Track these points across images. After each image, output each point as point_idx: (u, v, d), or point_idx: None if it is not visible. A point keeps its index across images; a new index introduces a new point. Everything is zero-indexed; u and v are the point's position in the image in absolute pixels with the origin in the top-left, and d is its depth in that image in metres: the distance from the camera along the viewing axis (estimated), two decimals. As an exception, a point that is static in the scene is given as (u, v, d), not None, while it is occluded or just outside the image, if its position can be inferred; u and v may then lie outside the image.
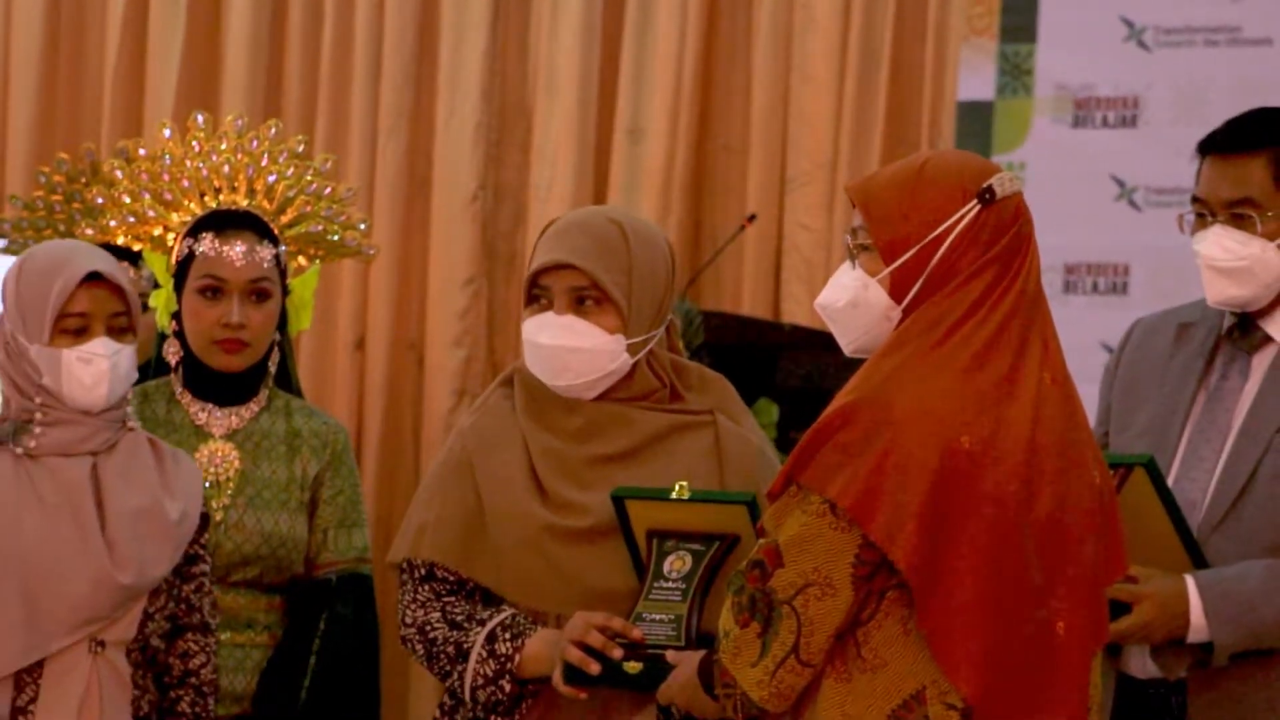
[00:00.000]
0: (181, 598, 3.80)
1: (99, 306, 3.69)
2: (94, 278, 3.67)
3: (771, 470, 3.40)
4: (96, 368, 3.68)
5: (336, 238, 4.28)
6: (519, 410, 3.57)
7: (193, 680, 3.83)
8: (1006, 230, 3.02)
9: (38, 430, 3.71)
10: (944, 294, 3.01)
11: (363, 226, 4.32)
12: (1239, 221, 3.57)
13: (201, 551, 3.82)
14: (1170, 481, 3.50)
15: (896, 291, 3.03)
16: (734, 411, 3.60)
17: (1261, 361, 3.62)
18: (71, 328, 3.68)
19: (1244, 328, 3.64)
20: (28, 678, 3.69)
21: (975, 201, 3.02)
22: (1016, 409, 2.96)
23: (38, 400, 3.70)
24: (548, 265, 3.49)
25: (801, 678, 2.95)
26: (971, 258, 3.01)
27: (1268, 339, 3.62)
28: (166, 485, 3.76)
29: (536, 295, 3.53)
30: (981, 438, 2.92)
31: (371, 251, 4.37)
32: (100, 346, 3.69)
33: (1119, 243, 6.58)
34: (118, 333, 3.70)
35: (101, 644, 3.71)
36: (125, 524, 3.70)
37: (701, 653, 3.14)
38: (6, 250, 4.37)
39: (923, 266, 3.02)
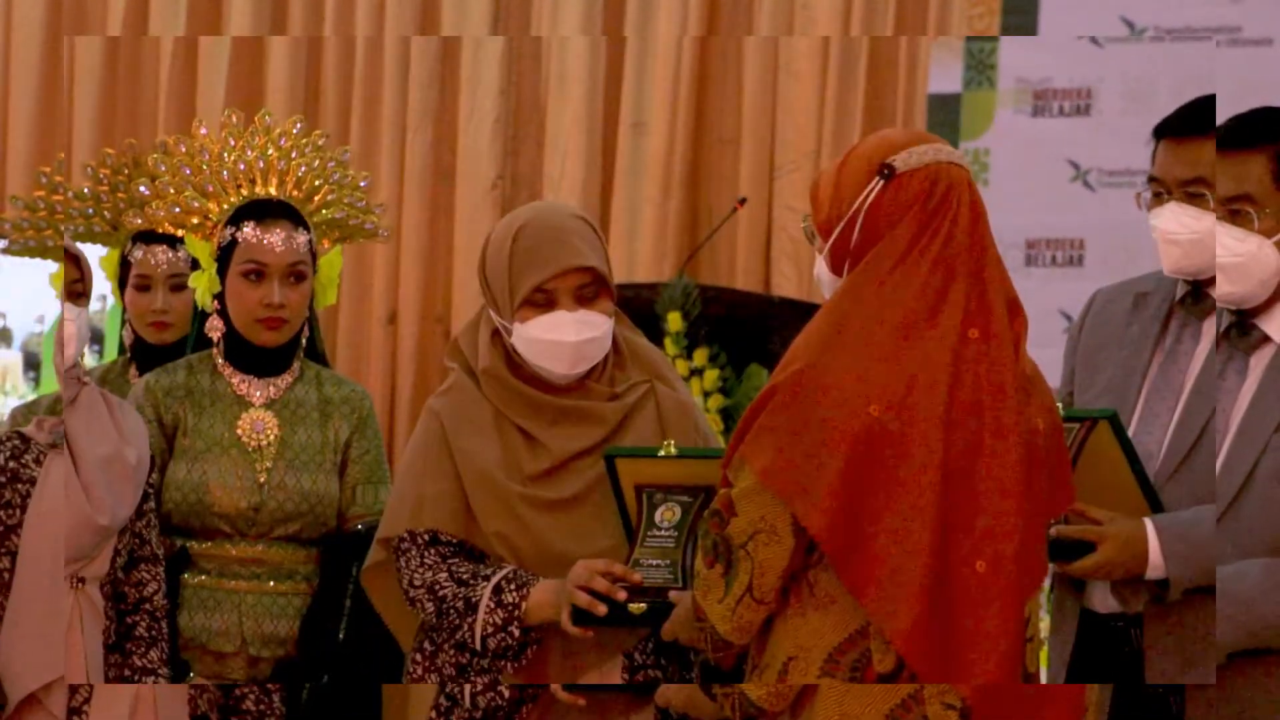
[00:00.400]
0: (136, 533, 3.79)
1: (61, 275, 3.71)
2: None
3: (701, 422, 3.54)
4: (65, 330, 3.67)
5: (356, 222, 4.25)
6: (492, 399, 3.52)
7: (146, 606, 3.83)
8: (915, 202, 2.97)
9: None
10: (861, 266, 2.97)
11: (379, 210, 4.28)
12: (1194, 200, 3.47)
13: (150, 490, 3.82)
14: (1130, 434, 3.44)
15: (835, 267, 3.03)
16: (667, 376, 3.60)
17: (1211, 325, 3.53)
18: None
19: (1196, 297, 3.55)
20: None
21: (877, 178, 2.98)
22: (930, 369, 2.90)
23: None
24: (562, 271, 3.45)
25: (757, 613, 2.95)
26: (881, 230, 2.97)
27: (1214, 304, 3.52)
28: (122, 433, 3.76)
29: (536, 300, 3.46)
30: (891, 403, 2.88)
31: (384, 234, 4.34)
32: (68, 311, 3.68)
33: (1075, 220, 6.59)
34: (74, 297, 3.71)
35: (81, 580, 3.71)
36: (98, 470, 3.69)
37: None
38: (6, 251, 4.33)
39: (847, 241, 2.99)
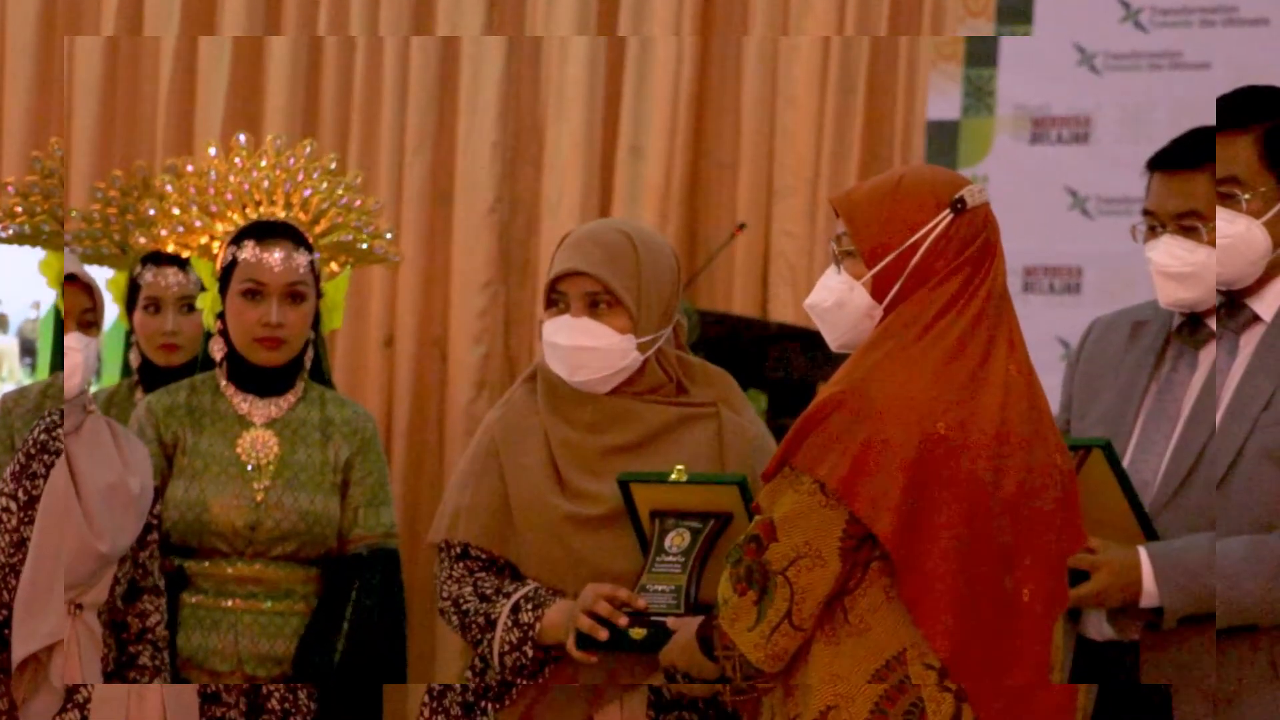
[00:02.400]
0: (139, 563, 3.82)
1: (72, 304, 3.74)
2: (69, 279, 3.69)
3: (768, 457, 3.34)
4: (71, 360, 3.70)
5: (365, 246, 4.28)
6: (540, 403, 3.55)
7: (149, 636, 3.85)
8: (976, 237, 3.02)
9: None
10: (920, 294, 3.00)
11: (388, 235, 4.31)
12: (1188, 233, 3.50)
13: (154, 521, 3.85)
14: (1125, 463, 3.46)
15: (878, 292, 3.03)
16: (736, 404, 3.60)
17: (1208, 355, 3.55)
18: None
19: (1193, 327, 3.58)
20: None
21: (948, 211, 3.02)
22: (986, 397, 2.95)
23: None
24: (565, 272, 3.49)
25: (794, 641, 2.95)
26: (945, 261, 3.01)
27: (1211, 333, 3.55)
28: (125, 461, 3.79)
29: (554, 300, 3.51)
30: (956, 424, 2.92)
31: (396, 258, 4.37)
32: (72, 340, 3.71)
33: (1073, 248, 6.56)
34: (85, 327, 3.73)
35: (79, 607, 3.73)
36: (99, 498, 3.71)
37: (699, 618, 3.14)
38: (2, 239, 4.32)
39: (901, 269, 3.02)
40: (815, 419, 2.94)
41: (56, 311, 4.12)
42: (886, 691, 2.93)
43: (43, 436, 3.72)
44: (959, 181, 3.07)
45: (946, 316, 2.97)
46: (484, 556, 3.51)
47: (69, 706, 3.69)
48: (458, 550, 3.52)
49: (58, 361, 4.16)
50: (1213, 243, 3.47)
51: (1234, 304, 3.52)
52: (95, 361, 3.76)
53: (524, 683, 3.45)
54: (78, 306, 3.75)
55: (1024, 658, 2.96)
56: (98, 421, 3.79)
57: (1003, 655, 2.95)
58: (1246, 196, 3.44)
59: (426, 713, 3.57)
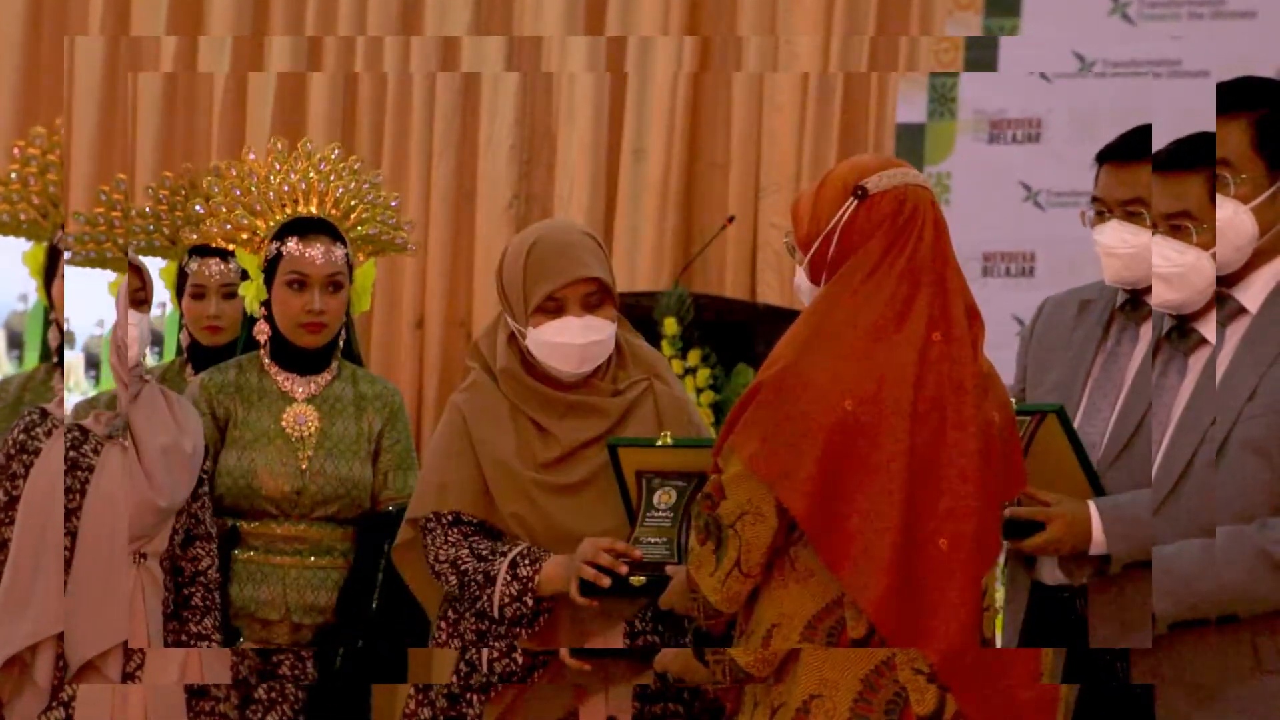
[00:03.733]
0: (192, 514, 3.79)
1: (129, 285, 3.70)
2: None
3: (694, 415, 3.53)
4: (130, 334, 3.67)
5: (388, 237, 4.24)
6: (507, 394, 3.51)
7: (201, 579, 3.82)
8: (885, 220, 2.97)
9: None
10: (838, 276, 2.98)
11: (407, 227, 4.27)
12: (1133, 218, 3.44)
13: (205, 476, 3.82)
14: (1075, 426, 3.43)
15: (814, 276, 3.03)
16: (664, 375, 3.59)
17: (1146, 332, 3.51)
18: None
19: (1135, 304, 3.53)
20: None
21: (852, 199, 2.98)
22: (898, 368, 2.91)
23: None
24: (572, 281, 3.44)
25: (745, 585, 2.95)
26: (856, 244, 2.97)
27: (1150, 311, 3.49)
28: (179, 424, 3.76)
29: (547, 307, 3.45)
30: (864, 399, 2.89)
31: (412, 249, 4.33)
32: (130, 316, 3.68)
33: (1026, 235, 6.55)
34: (138, 304, 3.71)
35: (143, 556, 3.70)
36: (157, 458, 3.68)
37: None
38: (70, 262, 4.30)
39: (824, 255, 3.00)
40: (744, 402, 2.94)
41: (43, 307, 4.08)
42: (869, 679, 2.90)
43: (21, 436, 3.67)
44: (867, 170, 3.02)
45: (860, 292, 2.94)
46: (474, 522, 3.47)
47: (54, 705, 3.62)
48: (449, 519, 3.48)
49: (44, 354, 4.13)
50: (1203, 245, 3.30)
51: (1184, 328, 3.36)
52: (148, 335, 3.74)
53: (509, 682, 3.42)
54: (130, 286, 3.73)
55: (946, 604, 2.90)
56: (153, 389, 3.77)
57: (929, 602, 2.89)
58: (1236, 180, 3.25)
59: (413, 705, 3.53)
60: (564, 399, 3.49)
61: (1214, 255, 3.28)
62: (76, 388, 4.38)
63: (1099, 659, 3.42)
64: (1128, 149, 3.49)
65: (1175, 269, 3.32)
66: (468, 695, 3.46)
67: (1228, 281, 3.32)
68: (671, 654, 3.17)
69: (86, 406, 4.25)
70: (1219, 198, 3.26)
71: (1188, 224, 3.31)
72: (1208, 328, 3.35)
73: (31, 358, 5.59)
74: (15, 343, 6.95)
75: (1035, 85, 6.54)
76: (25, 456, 3.66)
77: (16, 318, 7.01)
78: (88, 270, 4.42)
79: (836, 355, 2.91)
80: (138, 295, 3.72)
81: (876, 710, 2.89)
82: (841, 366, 2.90)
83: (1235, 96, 3.29)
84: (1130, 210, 3.46)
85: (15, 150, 4.22)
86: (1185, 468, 3.26)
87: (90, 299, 4.56)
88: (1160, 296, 3.35)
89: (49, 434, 3.69)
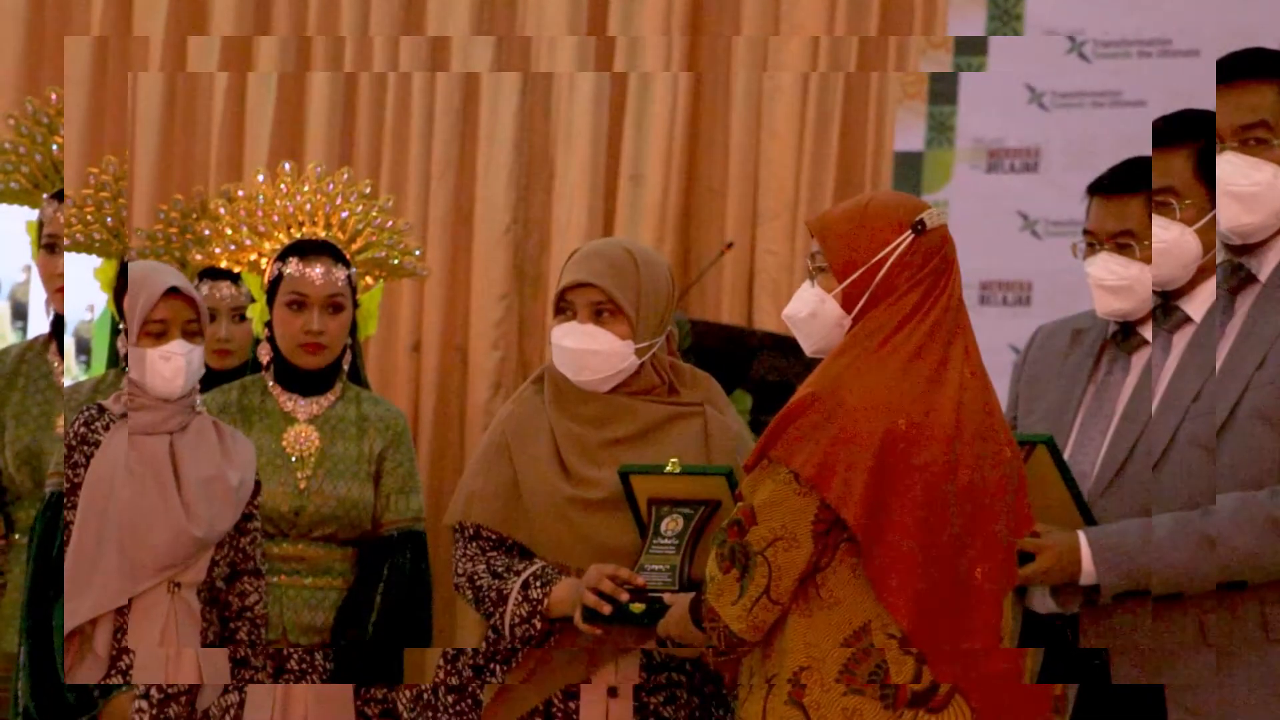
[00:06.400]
0: (239, 548, 3.81)
1: (176, 314, 3.72)
2: (172, 292, 3.70)
3: (748, 451, 3.36)
4: (174, 364, 3.71)
5: (396, 261, 4.28)
6: (547, 401, 3.56)
7: (248, 614, 3.84)
8: (935, 255, 3.04)
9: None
10: (884, 306, 3.02)
11: (417, 253, 4.32)
12: (1123, 250, 3.51)
13: (255, 511, 3.84)
14: (1066, 455, 3.47)
15: (847, 304, 3.05)
16: (719, 404, 3.61)
17: (1140, 359, 3.56)
18: (154, 331, 3.71)
19: (1126, 334, 3.58)
20: (118, 614, 3.70)
21: (910, 232, 3.03)
22: (943, 396, 2.97)
23: (127, 389, 3.73)
24: (574, 283, 3.51)
25: (772, 614, 2.97)
26: (906, 276, 3.02)
27: (1143, 340, 3.55)
28: (228, 458, 3.78)
29: (563, 307, 3.53)
30: (915, 421, 2.94)
31: (424, 273, 4.36)
32: (177, 346, 3.71)
33: (1023, 265, 6.57)
34: (190, 335, 3.73)
35: (178, 585, 3.73)
36: (197, 489, 3.72)
37: (692, 594, 3.15)
38: (68, 248, 4.34)
39: (868, 284, 3.03)
40: (791, 415, 2.96)
41: (110, 315, 4.13)
42: (854, 654, 2.95)
43: (82, 429, 3.74)
44: (920, 206, 3.08)
45: (908, 326, 2.99)
46: (494, 537, 3.52)
47: (112, 672, 3.69)
48: (471, 531, 3.53)
49: (113, 359, 4.18)
50: (1146, 259, 3.46)
51: (1167, 305, 3.50)
52: (200, 366, 3.77)
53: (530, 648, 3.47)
54: (181, 317, 3.73)
55: (977, 630, 2.98)
56: (204, 421, 3.79)
57: (958, 627, 2.96)
58: (1181, 206, 3.42)
59: (441, 674, 3.58)
60: (599, 397, 3.54)
61: (1199, 231, 3.42)
62: (66, 372, 4.42)
63: (1048, 624, 3.48)
64: (1117, 182, 3.55)
65: (1121, 282, 3.48)
66: (491, 665, 3.51)
67: (1174, 294, 3.49)
68: (673, 619, 3.19)
69: (72, 392, 4.28)
70: (1166, 221, 3.42)
71: (1171, 200, 3.44)
72: (1192, 305, 3.48)
73: (99, 364, 5.66)
74: (83, 349, 7.00)
75: (1033, 113, 6.57)
76: (86, 448, 3.73)
77: (85, 327, 7.05)
78: (78, 256, 4.44)
79: (889, 378, 2.95)
80: (190, 327, 3.74)
81: (860, 680, 2.94)
82: (893, 388, 2.95)
83: (1178, 129, 3.45)
84: (1120, 242, 3.52)
85: (90, 176, 4.39)
86: (1128, 456, 3.42)
87: (79, 284, 4.56)
88: (1109, 307, 3.51)
89: (107, 428, 3.75)
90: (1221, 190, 3.38)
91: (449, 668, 3.57)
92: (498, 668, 3.50)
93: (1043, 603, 3.52)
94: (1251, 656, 3.30)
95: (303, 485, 4.03)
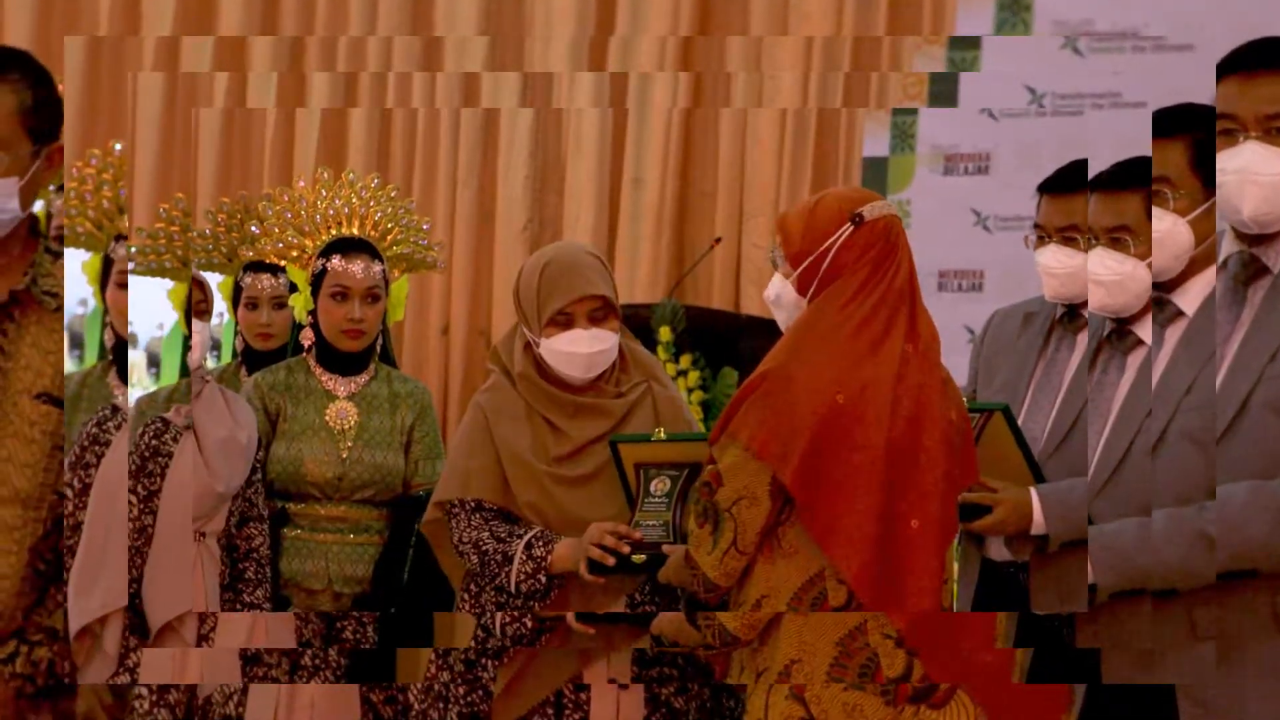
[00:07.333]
0: (247, 498, 3.80)
1: (192, 297, 3.71)
2: None
3: (686, 413, 3.52)
4: (192, 339, 3.67)
5: (420, 256, 4.24)
6: (526, 402, 3.50)
7: (254, 555, 3.82)
8: (875, 244, 2.99)
9: None
10: (830, 290, 2.99)
11: (437, 248, 4.28)
12: (1069, 242, 3.43)
13: (258, 464, 3.83)
14: (1020, 422, 3.43)
15: (801, 289, 3.03)
16: (660, 378, 3.59)
17: (1082, 340, 3.50)
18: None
19: (1072, 316, 3.52)
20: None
21: (849, 224, 2.99)
22: (881, 368, 2.93)
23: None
24: (581, 298, 3.43)
25: (740, 562, 2.96)
26: (848, 263, 2.98)
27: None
28: (236, 419, 3.76)
29: (559, 320, 3.44)
30: (852, 394, 2.91)
31: (441, 265, 4.33)
32: (194, 325, 3.68)
33: (976, 255, 6.55)
34: (200, 314, 3.71)
35: (202, 534, 3.70)
36: (216, 449, 3.68)
37: (685, 546, 3.10)
38: (135, 271, 4.30)
39: (816, 271, 3.00)
40: (745, 393, 2.95)
41: (180, 331, 4.10)
42: (844, 644, 2.91)
43: (94, 430, 3.68)
44: (863, 200, 3.03)
45: (850, 306, 2.96)
46: (494, 508, 3.46)
47: (120, 670, 3.63)
48: (471, 505, 3.47)
49: (184, 370, 4.14)
50: (1140, 255, 3.24)
51: (1122, 330, 3.29)
52: (209, 341, 3.74)
53: (520, 646, 3.42)
54: (193, 299, 3.73)
55: (917, 574, 2.93)
56: (213, 388, 3.77)
57: (899, 573, 2.92)
58: (1175, 196, 3.12)
59: (433, 669, 3.53)
60: (574, 400, 3.49)
61: (1150, 265, 3.20)
62: (139, 383, 4.37)
63: (1045, 624, 3.40)
64: (1064, 181, 3.49)
65: (1115, 277, 3.26)
66: (483, 660, 3.45)
67: (1166, 288, 3.18)
68: (666, 618, 3.17)
69: (149, 400, 4.26)
70: (1159, 211, 3.13)
71: (1126, 237, 3.27)
72: (1144, 330, 3.27)
73: (91, 356, 5.58)
74: (154, 361, 6.99)
75: (985, 123, 6.54)
76: (97, 448, 3.66)
77: (155, 342, 7.03)
78: (150, 279, 4.40)
79: (829, 356, 2.93)
80: (199, 306, 3.72)
81: (851, 673, 2.90)
82: (833, 366, 2.92)
83: (1175, 120, 3.14)
84: (1067, 235, 3.46)
85: (74, 169, 4.21)
86: (1124, 455, 3.16)
87: (152, 305, 4.54)
88: (1101, 301, 3.27)
89: (118, 428, 3.69)
90: (1243, 178, 2.97)
91: (440, 661, 3.52)
92: (489, 663, 3.44)
93: (998, 551, 3.49)
94: (1262, 647, 2.94)
95: (344, 455, 4.02)
